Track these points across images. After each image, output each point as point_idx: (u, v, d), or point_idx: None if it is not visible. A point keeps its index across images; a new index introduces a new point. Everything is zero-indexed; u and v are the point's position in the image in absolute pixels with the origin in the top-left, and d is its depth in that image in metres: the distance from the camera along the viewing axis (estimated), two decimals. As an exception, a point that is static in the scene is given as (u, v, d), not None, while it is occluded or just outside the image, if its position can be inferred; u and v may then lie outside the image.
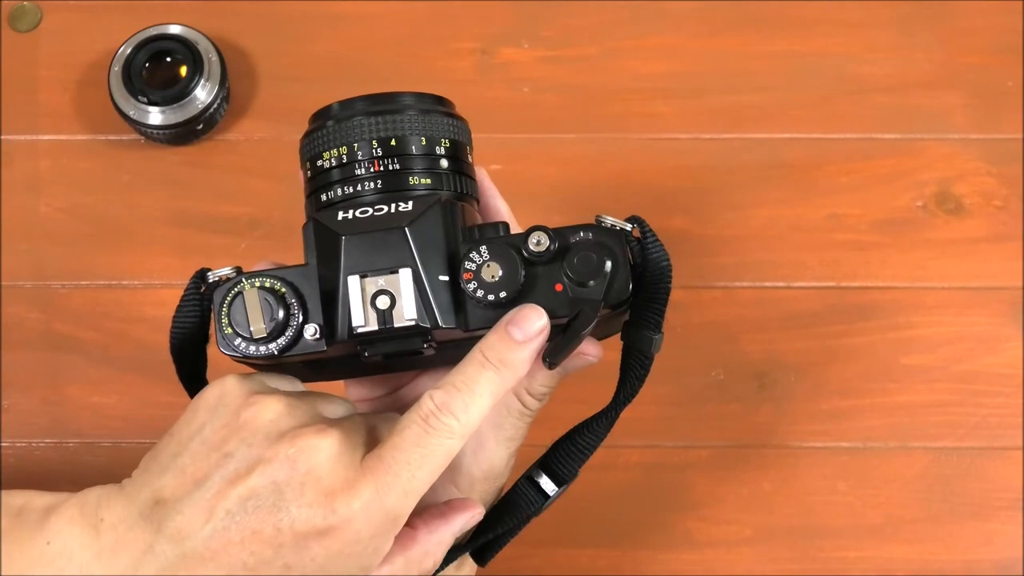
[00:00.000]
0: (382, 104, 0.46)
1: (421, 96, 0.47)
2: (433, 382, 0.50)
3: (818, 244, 0.74)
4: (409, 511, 0.42)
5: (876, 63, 0.78)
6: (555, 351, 0.43)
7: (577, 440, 0.47)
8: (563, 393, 0.49)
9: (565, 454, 0.47)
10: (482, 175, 0.49)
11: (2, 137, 0.75)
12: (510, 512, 0.48)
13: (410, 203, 0.44)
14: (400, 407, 0.51)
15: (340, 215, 0.44)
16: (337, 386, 0.53)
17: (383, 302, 0.43)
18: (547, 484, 0.48)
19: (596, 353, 0.47)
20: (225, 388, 0.43)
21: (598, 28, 0.79)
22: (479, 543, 0.48)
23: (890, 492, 0.70)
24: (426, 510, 0.45)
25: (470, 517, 0.46)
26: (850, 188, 0.75)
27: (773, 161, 0.76)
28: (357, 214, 0.44)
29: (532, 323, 0.42)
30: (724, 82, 0.77)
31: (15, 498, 0.44)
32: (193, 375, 0.49)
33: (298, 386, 0.46)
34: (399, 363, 0.48)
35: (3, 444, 0.70)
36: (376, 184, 0.45)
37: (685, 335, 0.72)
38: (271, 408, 0.42)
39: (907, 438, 0.71)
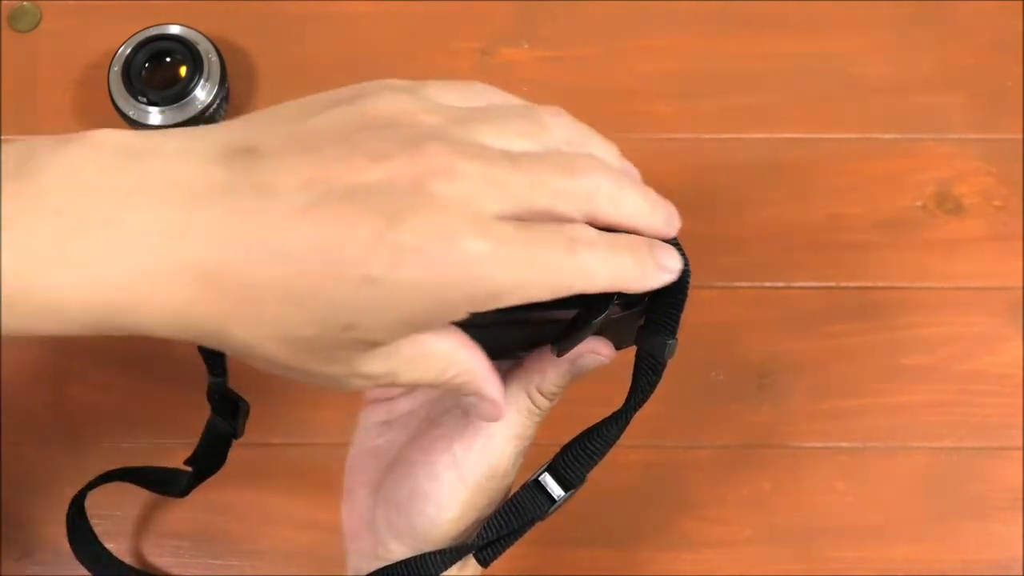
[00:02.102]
0: None
1: None
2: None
3: (818, 244, 0.74)
4: (503, 304, 0.37)
5: (876, 63, 0.78)
6: (563, 340, 0.43)
7: (587, 445, 0.47)
8: (573, 393, 0.49)
9: (574, 458, 0.47)
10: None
11: (2, 137, 0.75)
12: (516, 514, 0.47)
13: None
14: (416, 405, 0.51)
15: None
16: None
17: None
18: (554, 488, 0.47)
19: (608, 353, 0.47)
20: (384, 85, 0.38)
21: (598, 28, 0.79)
22: (483, 544, 0.48)
23: (890, 492, 0.70)
24: (485, 357, 0.41)
25: (495, 404, 0.42)
26: (850, 188, 0.75)
27: (773, 161, 0.76)
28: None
29: (675, 259, 0.42)
30: (724, 82, 0.77)
31: (21, 145, 0.37)
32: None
33: None
34: None
35: (3, 444, 0.70)
36: None
37: (685, 335, 0.71)
38: (429, 116, 0.37)
39: (907, 438, 0.71)
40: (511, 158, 0.37)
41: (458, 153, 0.36)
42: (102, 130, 0.37)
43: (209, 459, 0.62)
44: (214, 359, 0.53)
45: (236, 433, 0.60)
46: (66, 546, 0.68)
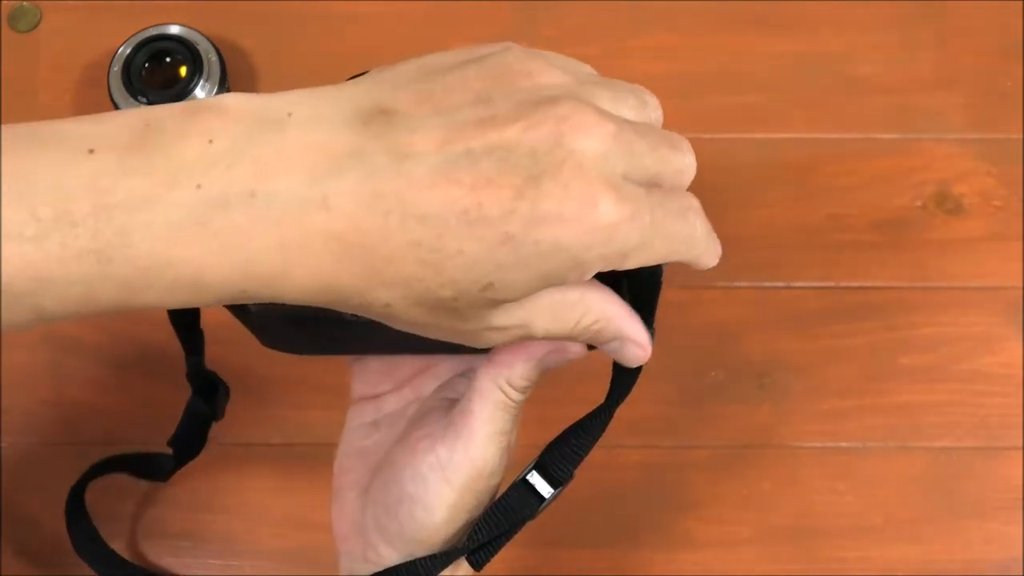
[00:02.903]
0: None
1: None
2: (436, 378, 0.50)
3: (818, 244, 0.74)
4: (628, 267, 0.38)
5: (876, 63, 0.78)
6: None
7: (571, 440, 0.47)
8: (562, 393, 0.49)
9: (559, 455, 0.47)
10: None
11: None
12: (505, 514, 0.47)
13: None
14: (403, 405, 0.51)
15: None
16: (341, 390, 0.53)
17: None
18: (542, 486, 0.47)
19: (576, 349, 0.46)
20: (508, 46, 0.38)
21: (598, 28, 0.79)
22: (475, 546, 0.48)
23: (890, 492, 0.70)
24: (621, 301, 0.42)
25: (641, 344, 0.42)
26: (850, 188, 0.75)
27: (773, 161, 0.76)
28: None
29: (719, 246, 0.41)
30: (724, 82, 0.77)
31: (133, 116, 0.35)
32: (188, 325, 0.48)
33: None
34: (398, 341, 0.47)
35: (3, 444, 0.70)
36: None
37: (685, 335, 0.72)
38: (557, 76, 0.37)
39: (907, 438, 0.71)
40: (630, 124, 0.38)
41: (590, 112, 0.36)
42: (231, 95, 0.36)
43: (190, 441, 0.62)
44: (190, 338, 0.53)
45: (215, 415, 0.60)
46: (66, 545, 0.68)
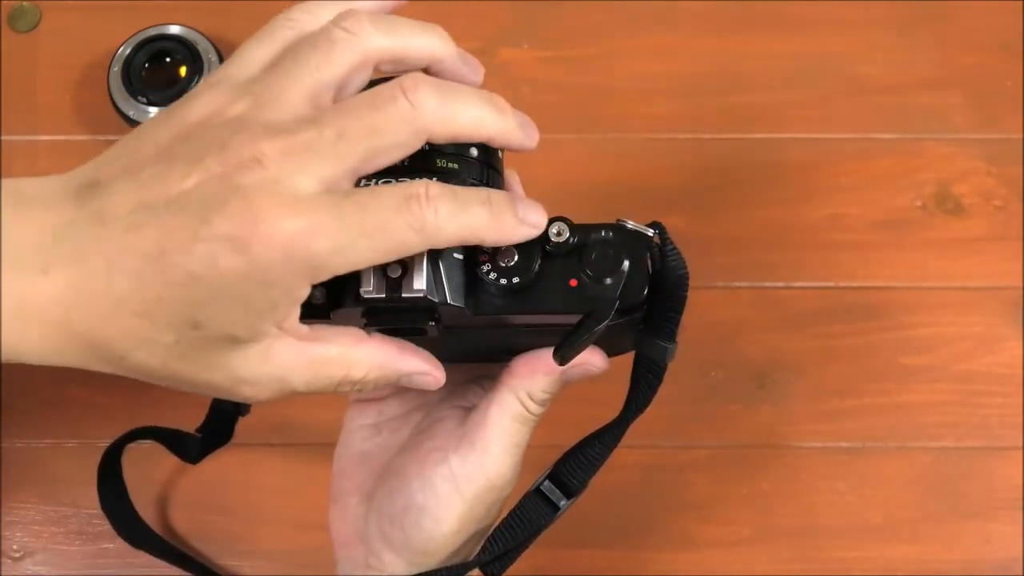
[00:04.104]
0: None
1: None
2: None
3: (818, 244, 0.74)
4: (332, 273, 0.39)
5: (876, 63, 0.78)
6: (566, 347, 0.43)
7: (587, 451, 0.47)
8: (571, 393, 0.49)
9: (575, 465, 0.47)
10: (513, 178, 0.48)
11: (2, 137, 0.75)
12: (520, 525, 0.47)
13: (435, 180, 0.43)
14: (406, 409, 0.51)
15: (363, 182, 0.43)
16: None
17: (394, 271, 0.42)
18: (556, 496, 0.47)
19: (600, 363, 0.46)
20: (208, 84, 0.41)
21: (598, 28, 0.79)
22: (489, 558, 0.47)
23: (890, 492, 0.70)
24: (391, 340, 0.43)
25: (425, 372, 0.44)
26: (850, 188, 0.75)
27: (773, 161, 0.76)
28: (380, 183, 0.43)
29: (539, 214, 0.42)
30: (724, 82, 0.77)
31: None
32: None
33: None
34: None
35: (3, 444, 0.70)
36: (403, 162, 0.44)
37: (685, 335, 0.71)
38: (236, 107, 0.39)
39: (907, 438, 0.71)
40: (312, 119, 0.39)
41: (260, 137, 0.38)
42: (6, 180, 0.40)
43: (217, 431, 0.63)
44: None
45: (240, 410, 0.60)
46: (66, 546, 0.68)
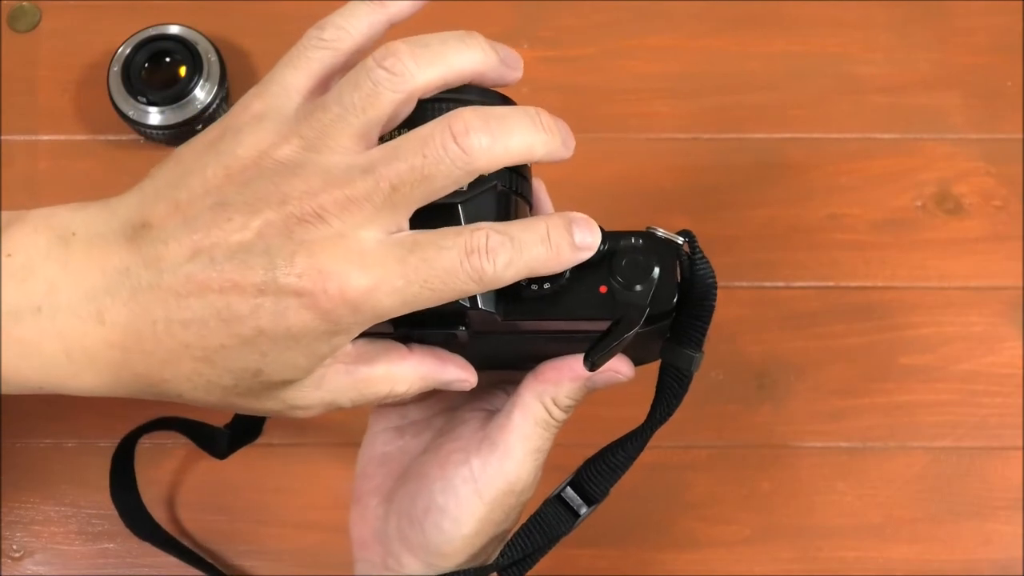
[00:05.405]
0: (450, 94, 0.44)
1: (486, 91, 0.45)
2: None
3: (818, 244, 0.74)
4: (392, 316, 0.40)
5: (875, 63, 0.78)
6: (596, 353, 0.43)
7: (609, 459, 0.47)
8: (594, 395, 0.49)
9: (597, 473, 0.47)
10: (539, 186, 0.49)
11: (2, 137, 0.75)
12: (540, 531, 0.47)
13: (465, 184, 0.42)
14: (429, 413, 0.51)
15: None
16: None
17: None
18: (577, 503, 0.47)
19: (626, 371, 0.46)
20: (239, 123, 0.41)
21: (598, 28, 0.79)
22: (508, 563, 0.47)
23: (890, 492, 0.70)
24: (430, 351, 0.44)
25: (463, 380, 0.45)
26: (849, 188, 0.75)
27: (773, 161, 0.76)
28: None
29: (595, 235, 0.42)
30: (724, 82, 0.77)
31: None
32: None
33: None
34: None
35: (3, 444, 0.70)
36: None
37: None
38: (284, 149, 0.39)
39: (906, 438, 0.71)
40: (366, 168, 0.39)
41: (318, 190, 0.38)
42: (41, 210, 0.41)
43: (247, 427, 0.64)
44: None
45: None
46: (66, 546, 0.68)
